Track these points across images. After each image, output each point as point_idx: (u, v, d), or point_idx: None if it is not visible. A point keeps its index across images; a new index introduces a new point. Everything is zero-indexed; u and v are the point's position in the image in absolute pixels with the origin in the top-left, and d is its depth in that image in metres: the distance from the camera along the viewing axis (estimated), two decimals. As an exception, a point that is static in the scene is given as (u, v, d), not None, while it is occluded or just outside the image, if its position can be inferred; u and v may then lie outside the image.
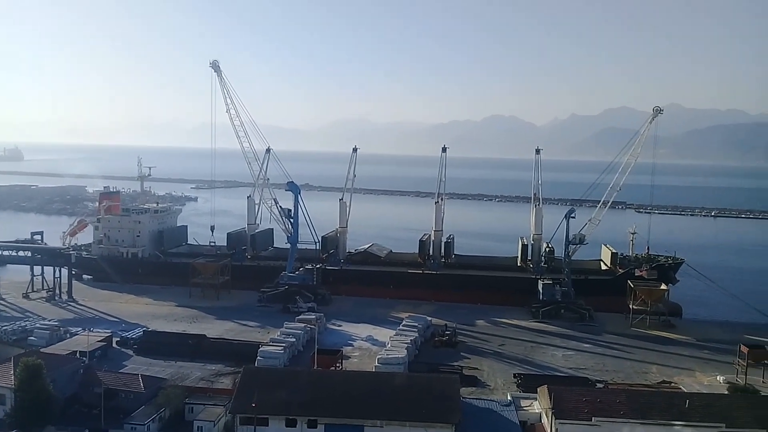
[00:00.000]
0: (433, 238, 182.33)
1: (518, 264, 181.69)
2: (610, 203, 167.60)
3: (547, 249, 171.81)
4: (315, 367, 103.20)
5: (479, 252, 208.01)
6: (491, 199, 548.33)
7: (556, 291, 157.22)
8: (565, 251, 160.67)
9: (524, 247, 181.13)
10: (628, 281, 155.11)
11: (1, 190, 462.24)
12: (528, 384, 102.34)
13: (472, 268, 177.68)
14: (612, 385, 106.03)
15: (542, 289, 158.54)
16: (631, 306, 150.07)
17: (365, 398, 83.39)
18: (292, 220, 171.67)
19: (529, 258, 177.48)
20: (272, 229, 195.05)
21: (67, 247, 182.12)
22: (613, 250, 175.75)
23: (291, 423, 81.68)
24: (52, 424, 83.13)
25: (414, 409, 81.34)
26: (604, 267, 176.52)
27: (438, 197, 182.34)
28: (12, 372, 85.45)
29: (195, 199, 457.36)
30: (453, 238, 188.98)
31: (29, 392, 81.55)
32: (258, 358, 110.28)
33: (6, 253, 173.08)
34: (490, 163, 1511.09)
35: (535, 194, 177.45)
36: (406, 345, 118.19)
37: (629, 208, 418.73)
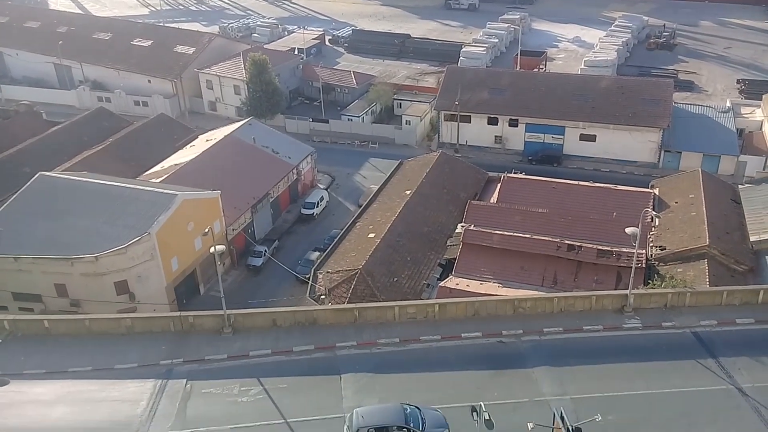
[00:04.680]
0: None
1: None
2: None
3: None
4: (518, 69, 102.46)
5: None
6: None
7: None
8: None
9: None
10: None
11: None
12: (753, 90, 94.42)
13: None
14: None
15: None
16: None
17: (569, 100, 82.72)
18: None
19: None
20: None
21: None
22: None
23: (492, 121, 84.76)
24: (281, 113, 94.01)
25: (619, 113, 79.76)
26: None
27: None
28: (243, 65, 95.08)
29: None
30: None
31: (259, 84, 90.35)
32: (461, 58, 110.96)
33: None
34: None
35: None
36: (616, 47, 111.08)
37: None
